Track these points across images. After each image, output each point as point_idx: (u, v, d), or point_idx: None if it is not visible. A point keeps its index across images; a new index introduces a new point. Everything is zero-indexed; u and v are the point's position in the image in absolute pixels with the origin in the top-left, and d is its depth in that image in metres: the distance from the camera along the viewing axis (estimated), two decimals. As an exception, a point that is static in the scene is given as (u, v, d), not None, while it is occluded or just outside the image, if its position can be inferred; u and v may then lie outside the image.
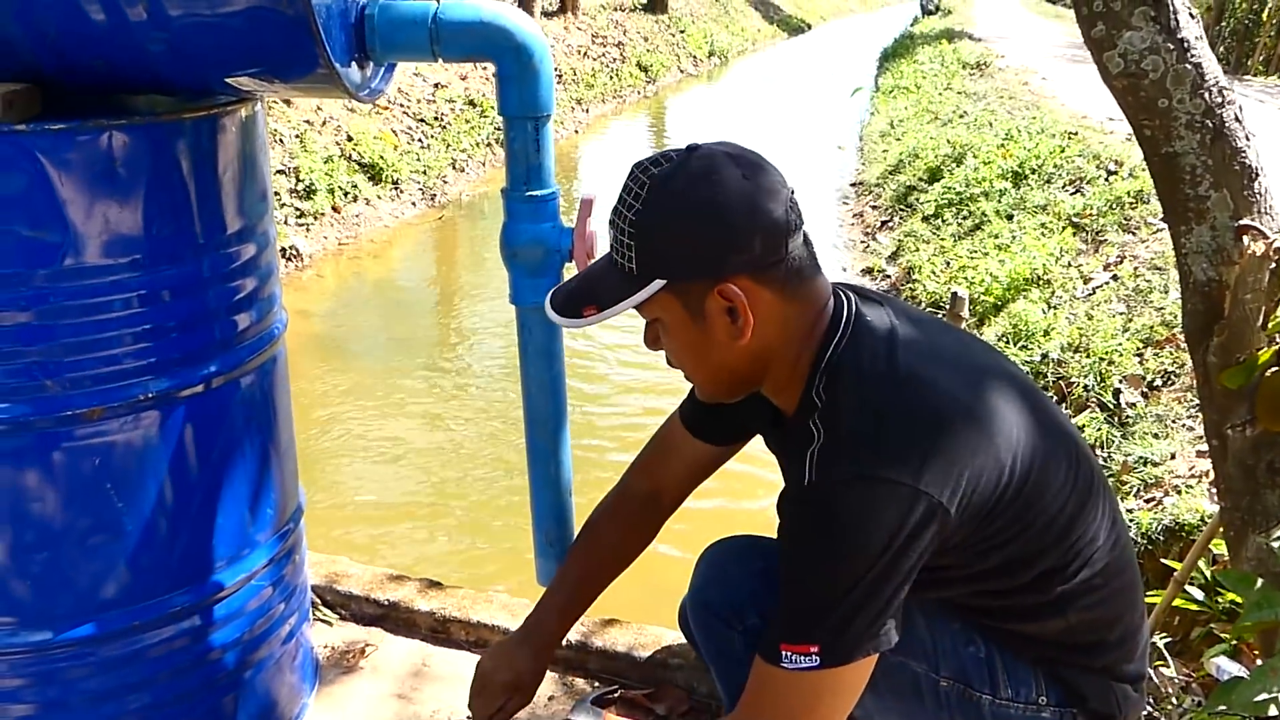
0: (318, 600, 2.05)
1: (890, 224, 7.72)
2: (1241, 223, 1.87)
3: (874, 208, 8.33)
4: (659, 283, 1.17)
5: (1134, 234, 5.77)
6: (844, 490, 1.11)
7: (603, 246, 1.60)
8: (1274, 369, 1.85)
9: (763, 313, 1.18)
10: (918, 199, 7.57)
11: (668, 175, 1.16)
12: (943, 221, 6.91)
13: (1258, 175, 1.87)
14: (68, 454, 1.40)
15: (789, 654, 1.13)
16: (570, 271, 1.62)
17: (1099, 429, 3.89)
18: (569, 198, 8.93)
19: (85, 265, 1.34)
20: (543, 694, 1.86)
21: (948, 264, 6.17)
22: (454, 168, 8.67)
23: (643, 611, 2.10)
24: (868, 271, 6.92)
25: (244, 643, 1.62)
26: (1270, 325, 1.93)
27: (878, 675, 1.18)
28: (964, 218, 6.83)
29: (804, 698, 1.15)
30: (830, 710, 1.16)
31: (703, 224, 1.15)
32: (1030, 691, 1.32)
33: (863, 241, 7.68)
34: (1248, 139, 1.90)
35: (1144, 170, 6.23)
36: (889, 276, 6.72)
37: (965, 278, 5.70)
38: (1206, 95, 1.88)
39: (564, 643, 1.93)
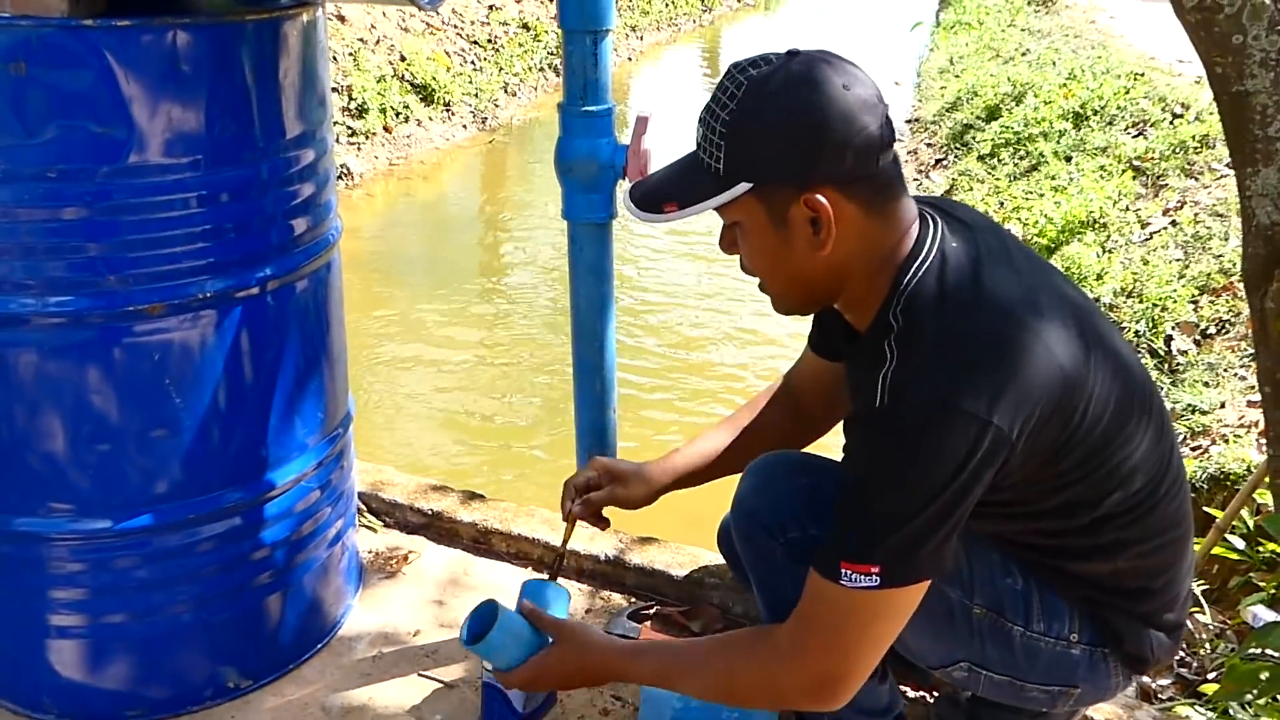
0: (363, 507, 2.09)
1: (945, 162, 7.58)
2: (1312, 165, 1.82)
3: (929, 145, 8.18)
4: (745, 185, 1.16)
5: (1196, 179, 5.62)
6: (915, 415, 1.11)
7: (657, 164, 1.60)
8: (1335, 316, 1.81)
9: (846, 226, 1.16)
10: (974, 137, 7.41)
11: (765, 77, 1.14)
12: (999, 161, 6.77)
13: (1330, 117, 1.81)
14: (128, 349, 1.44)
15: (849, 572, 1.13)
16: (624, 190, 1.62)
17: (1148, 375, 3.84)
18: (621, 120, 8.85)
19: (148, 164, 1.36)
20: (578, 608, 1.90)
21: (1001, 204, 6.07)
22: (506, 91, 8.61)
23: (680, 533, 2.12)
24: (919, 210, 6.80)
25: (292, 542, 1.67)
26: (1335, 273, 1.88)
27: None
28: (1021, 158, 6.69)
29: (860, 616, 1.16)
30: (883, 630, 1.18)
31: (797, 130, 1.13)
32: (1063, 628, 1.32)
33: (916, 179, 7.55)
34: (1323, 79, 1.84)
35: (1211, 114, 6.09)
36: (941, 216, 6.61)
37: (1019, 218, 5.60)
38: (1284, 32, 1.81)
39: (601, 558, 1.97)
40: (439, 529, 2.08)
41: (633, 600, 1.94)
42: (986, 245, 1.22)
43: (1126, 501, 1.24)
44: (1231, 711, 1.99)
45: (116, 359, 1.44)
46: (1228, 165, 5.56)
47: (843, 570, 1.14)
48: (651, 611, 1.90)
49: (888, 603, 1.15)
